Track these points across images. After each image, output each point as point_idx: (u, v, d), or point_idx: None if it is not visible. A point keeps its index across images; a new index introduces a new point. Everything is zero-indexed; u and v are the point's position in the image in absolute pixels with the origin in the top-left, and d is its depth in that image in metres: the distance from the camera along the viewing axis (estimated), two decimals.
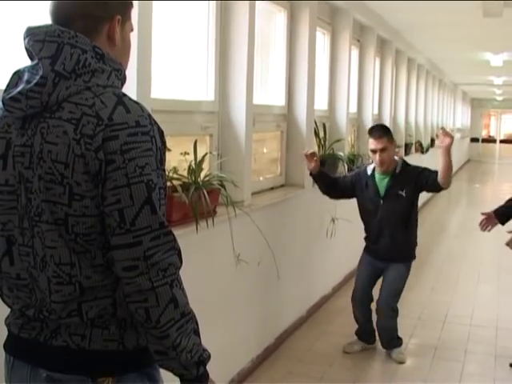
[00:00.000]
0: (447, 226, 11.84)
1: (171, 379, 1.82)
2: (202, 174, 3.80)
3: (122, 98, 1.64)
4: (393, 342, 5.09)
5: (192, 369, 1.70)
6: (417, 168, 5.02)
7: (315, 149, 6.26)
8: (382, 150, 4.84)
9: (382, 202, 4.94)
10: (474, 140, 31.30)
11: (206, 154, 3.95)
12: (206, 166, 3.95)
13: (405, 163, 5.02)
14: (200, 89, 4.33)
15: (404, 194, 4.86)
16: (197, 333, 1.71)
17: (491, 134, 34.03)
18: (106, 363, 1.72)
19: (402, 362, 5.00)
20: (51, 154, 1.60)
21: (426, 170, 4.96)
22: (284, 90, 5.63)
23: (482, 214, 4.91)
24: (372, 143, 4.92)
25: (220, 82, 4.40)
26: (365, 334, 5.18)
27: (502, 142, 32.28)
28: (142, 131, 1.61)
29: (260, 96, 5.14)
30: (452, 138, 4.65)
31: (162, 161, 1.69)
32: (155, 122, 1.68)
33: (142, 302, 1.61)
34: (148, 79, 3.35)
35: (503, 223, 4.90)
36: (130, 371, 1.74)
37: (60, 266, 1.65)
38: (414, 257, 5.13)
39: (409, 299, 6.61)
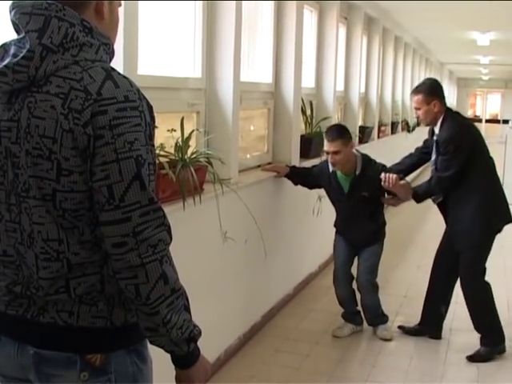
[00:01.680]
0: (432, 204, 11.87)
1: (161, 356, 1.81)
2: (189, 151, 3.77)
3: (111, 73, 1.62)
4: (378, 318, 5.12)
5: (183, 345, 1.70)
6: (380, 169, 4.83)
7: (302, 127, 6.26)
8: (335, 153, 4.77)
9: (346, 199, 4.95)
10: None
11: (192, 131, 3.93)
12: (192, 143, 3.93)
13: (365, 161, 4.90)
14: (187, 65, 4.29)
15: (367, 195, 4.83)
16: (187, 309, 1.71)
17: (477, 113, 34.16)
18: (94, 340, 1.71)
19: (386, 339, 5.03)
20: (38, 128, 1.58)
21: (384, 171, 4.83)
22: (271, 68, 5.60)
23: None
24: (325, 145, 4.88)
25: (207, 59, 4.37)
26: (351, 314, 5.18)
27: (487, 121, 32.39)
28: (131, 106, 1.59)
29: (247, 73, 5.11)
30: (395, 178, 4.63)
31: (151, 136, 1.67)
32: (144, 97, 1.66)
33: (132, 278, 1.60)
34: (135, 55, 3.32)
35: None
36: (118, 348, 1.73)
37: (48, 242, 1.64)
38: (384, 235, 5.16)
39: (394, 277, 6.67)
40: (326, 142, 4.86)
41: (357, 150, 5.03)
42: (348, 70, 8.50)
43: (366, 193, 4.81)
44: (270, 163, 5.58)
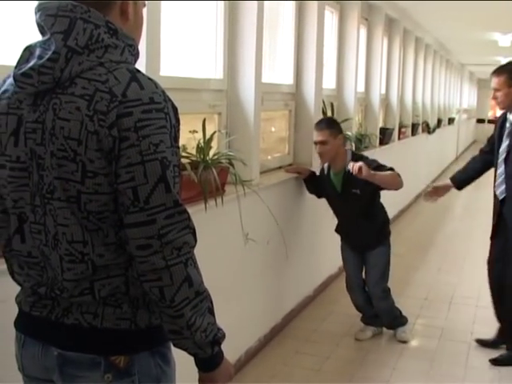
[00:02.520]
0: (453, 207, 11.80)
1: (184, 358, 1.81)
2: (211, 153, 3.77)
3: (136, 74, 1.61)
4: (395, 321, 5.09)
5: (206, 348, 1.70)
6: (371, 163, 4.65)
7: None
8: (322, 143, 4.71)
9: (340, 199, 4.89)
10: (480, 121, 31.13)
11: (214, 132, 3.92)
12: (214, 144, 3.93)
13: (355, 156, 4.79)
14: (209, 67, 4.30)
15: (359, 192, 4.70)
16: (211, 312, 1.70)
17: (497, 114, 33.87)
18: (118, 342, 1.71)
19: (404, 341, 5.01)
20: (63, 130, 1.58)
21: (380, 168, 4.64)
22: (292, 69, 5.60)
23: (434, 187, 5.17)
24: (314, 135, 4.85)
25: (229, 60, 4.38)
26: (370, 318, 5.14)
27: None
28: (156, 108, 1.59)
29: (268, 74, 5.10)
30: (359, 165, 4.34)
31: (176, 138, 1.66)
32: (169, 99, 1.65)
33: (156, 280, 1.60)
34: (157, 57, 3.32)
35: (460, 188, 5.08)
36: (142, 350, 1.74)
37: (72, 244, 1.64)
38: (389, 233, 5.04)
39: (415, 280, 6.63)
40: (314, 133, 4.86)
41: (351, 150, 5.04)
42: (369, 71, 8.47)
43: (358, 190, 4.69)
44: (290, 164, 5.57)
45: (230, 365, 1.83)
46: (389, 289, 5.00)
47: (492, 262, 4.80)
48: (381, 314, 5.05)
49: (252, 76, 4.35)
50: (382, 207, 5.02)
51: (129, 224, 1.58)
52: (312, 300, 5.85)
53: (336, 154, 4.76)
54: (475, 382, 4.43)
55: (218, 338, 1.72)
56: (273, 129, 5.60)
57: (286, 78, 5.56)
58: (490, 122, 32.03)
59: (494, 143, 4.66)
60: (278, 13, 5.46)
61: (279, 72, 5.52)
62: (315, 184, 5.19)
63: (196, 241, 1.66)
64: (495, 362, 4.66)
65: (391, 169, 4.62)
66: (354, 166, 4.36)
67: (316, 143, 4.78)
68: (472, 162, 5.10)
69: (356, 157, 4.77)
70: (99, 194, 1.60)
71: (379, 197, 4.93)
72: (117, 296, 1.68)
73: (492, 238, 4.78)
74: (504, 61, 17.50)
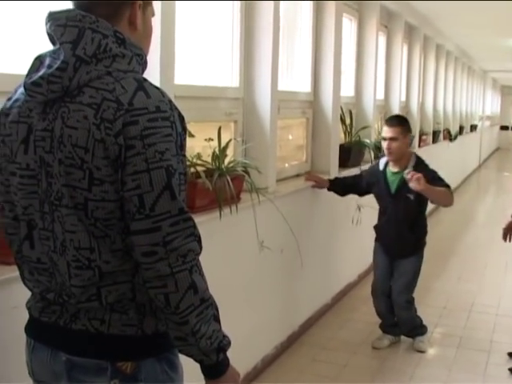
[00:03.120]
0: (475, 215, 11.73)
1: (192, 364, 1.82)
2: (226, 161, 3.79)
3: (143, 83, 1.63)
4: (414, 330, 5.06)
5: (212, 355, 1.71)
6: (429, 173, 4.68)
7: (341, 136, 6.24)
8: (392, 139, 4.73)
9: (391, 201, 4.86)
10: (504, 128, 30.93)
11: (230, 140, 3.94)
12: (230, 152, 3.95)
13: (419, 161, 4.84)
14: (225, 75, 4.32)
15: (412, 197, 4.69)
16: (217, 319, 1.71)
17: None
18: (125, 348, 1.73)
19: (421, 351, 4.98)
20: (71, 138, 1.60)
21: (436, 180, 4.65)
22: (310, 77, 5.61)
23: (505, 228, 5.05)
24: (384, 130, 4.86)
25: (245, 68, 4.39)
26: (389, 326, 5.13)
27: None
28: (162, 116, 1.60)
29: (285, 82, 5.11)
30: (419, 176, 4.40)
31: (183, 146, 1.68)
32: (176, 108, 1.67)
33: (162, 287, 1.61)
34: (171, 65, 3.34)
35: None
36: (148, 356, 1.75)
37: (79, 250, 1.66)
38: (424, 244, 5.04)
39: (435, 288, 6.59)
40: (384, 128, 4.86)
41: (415, 154, 4.99)
42: (388, 79, 8.46)
43: (412, 195, 4.66)
44: (308, 172, 5.57)
45: (235, 372, 1.84)
46: (413, 299, 5.00)
47: None
48: (401, 323, 5.04)
49: (268, 84, 4.36)
50: (425, 218, 5.06)
51: (134, 231, 1.60)
52: (330, 308, 5.84)
53: (402, 153, 4.78)
54: None
55: (223, 345, 1.72)
56: (290, 137, 5.60)
57: (304, 85, 5.57)
58: None
59: None
60: (296, 21, 5.47)
61: (297, 80, 5.53)
62: (348, 185, 5.23)
63: (201, 248, 1.67)
64: None
65: (447, 185, 4.67)
66: (413, 176, 4.39)
67: (385, 139, 4.78)
68: None
69: (419, 162, 4.83)
70: (106, 201, 1.62)
71: (426, 206, 4.94)
72: (123, 302, 1.70)
73: None
74: None
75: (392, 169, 4.85)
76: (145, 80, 1.66)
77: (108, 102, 1.58)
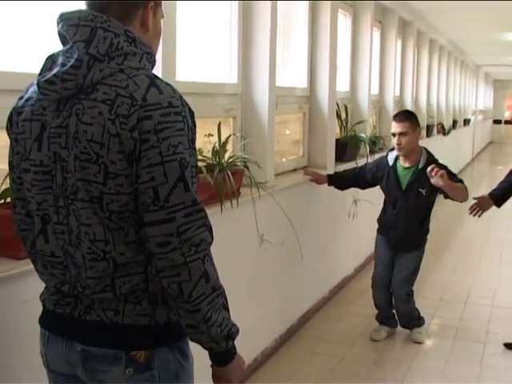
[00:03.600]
0: (466, 209, 11.80)
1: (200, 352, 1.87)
2: (226, 156, 3.84)
3: (155, 80, 1.69)
4: (412, 322, 5.13)
5: (221, 342, 1.76)
6: (442, 168, 4.49)
7: (337, 130, 6.29)
8: (402, 134, 4.75)
9: (401, 196, 4.85)
10: (497, 122, 31.04)
11: (229, 135, 3.99)
12: (229, 147, 4.00)
13: (429, 156, 4.85)
14: (223, 71, 4.36)
15: (424, 193, 4.74)
16: (226, 307, 1.77)
17: None
18: (139, 337, 1.78)
19: (418, 342, 5.05)
20: (86, 133, 1.65)
21: (450, 176, 4.55)
22: (306, 72, 5.65)
23: (475, 198, 4.86)
24: (393, 126, 4.87)
25: (243, 65, 4.44)
26: (387, 318, 5.19)
27: None
28: (175, 111, 1.66)
29: (282, 78, 5.15)
30: (443, 172, 4.33)
31: (193, 140, 1.74)
32: (186, 103, 1.73)
33: (175, 276, 1.66)
34: (173, 62, 3.39)
35: (499, 206, 4.85)
36: (161, 345, 1.80)
37: (95, 242, 1.71)
38: (426, 240, 5.08)
39: (431, 280, 6.65)
40: (393, 124, 4.89)
41: (425, 149, 4.97)
42: (382, 74, 8.51)
43: (424, 190, 4.70)
44: (305, 167, 5.61)
45: (242, 360, 1.90)
46: (412, 292, 5.07)
47: None
48: (400, 315, 5.12)
49: (266, 80, 4.41)
50: (430, 214, 5.04)
51: (149, 222, 1.65)
52: (327, 301, 5.90)
53: (412, 148, 4.79)
54: (490, 382, 4.45)
55: (232, 332, 1.78)
56: (287, 131, 5.65)
57: (300, 81, 5.61)
58: (506, 122, 31.98)
59: None
60: (292, 17, 5.52)
61: (293, 75, 5.57)
62: (349, 179, 5.21)
63: (213, 238, 1.73)
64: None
65: (461, 181, 4.67)
66: (436, 172, 4.33)
67: (394, 135, 4.81)
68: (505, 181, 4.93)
69: (430, 157, 4.84)
70: (120, 194, 1.67)
71: (433, 204, 4.95)
72: (137, 293, 1.75)
73: None
74: None
75: (403, 163, 4.87)
76: (156, 77, 1.71)
77: (122, 98, 1.63)
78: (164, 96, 1.66)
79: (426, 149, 4.93)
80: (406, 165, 4.84)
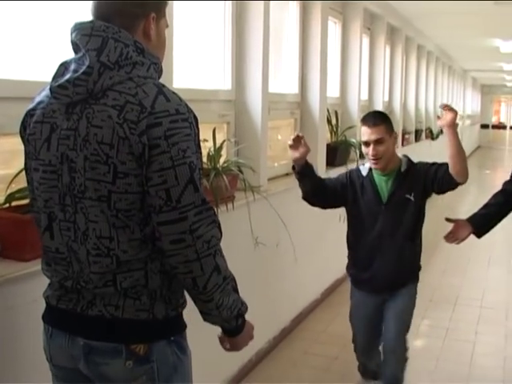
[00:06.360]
0: (457, 211, 11.86)
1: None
2: (221, 160, 3.93)
3: (162, 89, 1.79)
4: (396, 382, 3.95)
5: (232, 322, 1.92)
6: (425, 165, 3.78)
7: (327, 135, 6.37)
8: (378, 142, 3.61)
9: (383, 210, 3.71)
10: (484, 126, 31.27)
11: (224, 140, 4.08)
12: (223, 152, 4.08)
13: (410, 160, 3.80)
14: (217, 78, 4.46)
15: (413, 198, 3.67)
16: (235, 289, 1.93)
17: (501, 120, 34.00)
18: (138, 331, 1.87)
19: None
20: (97, 136, 1.75)
21: (433, 163, 3.75)
22: (297, 78, 5.75)
23: (448, 220, 3.95)
24: (365, 133, 3.65)
25: (236, 71, 4.53)
26: (372, 373, 4.24)
27: None
28: (182, 118, 1.76)
29: (274, 84, 5.24)
30: (456, 112, 3.54)
31: (199, 144, 1.84)
32: (191, 110, 1.83)
33: (189, 272, 1.79)
34: (170, 70, 3.48)
35: (480, 235, 3.97)
36: (159, 339, 1.90)
37: (100, 239, 1.80)
38: (419, 268, 4.01)
39: (420, 282, 6.68)
40: (364, 130, 3.66)
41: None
42: (372, 80, 8.61)
43: (412, 195, 3.67)
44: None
45: (250, 327, 2.05)
46: (407, 349, 3.96)
47: None
48: (385, 373, 3.93)
49: (259, 86, 4.51)
50: (421, 232, 3.95)
51: (162, 222, 1.76)
52: (320, 303, 5.98)
53: (391, 156, 3.71)
54: (480, 381, 4.53)
55: (241, 312, 1.94)
56: (279, 137, 5.74)
57: (292, 87, 5.71)
58: (494, 127, 32.20)
59: None
60: (282, 24, 5.61)
61: (285, 82, 5.67)
62: (317, 182, 3.85)
63: (221, 234, 1.85)
64: None
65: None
66: (447, 110, 3.54)
67: (367, 144, 3.64)
68: (494, 197, 4.05)
69: (410, 160, 3.80)
70: (129, 193, 1.77)
71: (424, 215, 3.91)
72: (137, 288, 1.84)
73: None
74: (506, 67, 17.65)
75: (380, 172, 3.73)
76: (163, 85, 1.81)
77: (131, 105, 1.73)
78: (171, 104, 1.76)
79: (407, 156, 3.86)
80: (385, 172, 3.72)
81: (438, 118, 3.60)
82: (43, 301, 2.03)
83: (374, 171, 3.76)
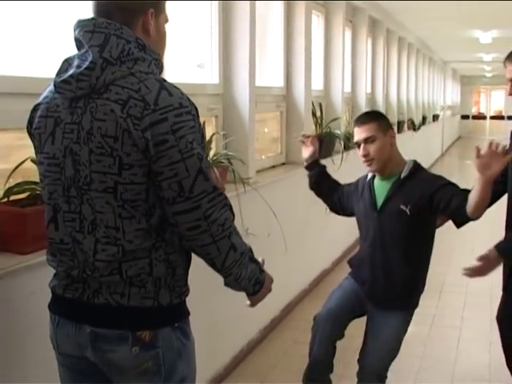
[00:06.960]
0: None
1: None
2: (211, 153, 3.99)
3: (164, 83, 1.84)
4: None
5: (250, 289, 2.05)
6: (435, 180, 3.35)
7: (312, 128, 6.43)
8: (368, 141, 3.30)
9: (375, 218, 3.37)
10: (465, 117, 31.49)
11: (213, 134, 4.14)
12: (213, 145, 4.14)
13: (417, 166, 3.39)
14: (205, 72, 4.52)
15: (408, 211, 3.22)
16: (252, 259, 2.03)
17: (481, 110, 34.24)
18: (143, 318, 1.93)
19: None
20: (101, 130, 1.80)
21: (449, 186, 3.26)
22: (282, 72, 5.82)
23: (479, 259, 3.45)
24: (355, 133, 3.39)
25: (224, 66, 4.59)
26: (318, 373, 3.66)
27: (492, 118, 32.54)
28: (186, 111, 1.83)
29: (260, 78, 5.30)
30: (503, 163, 2.83)
31: (202, 135, 1.93)
32: (193, 103, 1.90)
33: (206, 254, 1.90)
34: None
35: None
36: (164, 325, 1.96)
37: (108, 228, 1.86)
38: (417, 304, 3.53)
39: None
40: (355, 131, 3.40)
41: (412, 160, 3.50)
42: (354, 72, 8.70)
43: (408, 207, 3.23)
44: (283, 164, 5.77)
45: (270, 280, 2.15)
46: (386, 377, 3.49)
47: (504, 319, 3.60)
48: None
49: (246, 80, 4.57)
50: (429, 257, 3.54)
51: (177, 212, 1.84)
52: (308, 293, 6.06)
53: (388, 156, 3.35)
54: (466, 365, 4.63)
55: (259, 280, 2.05)
56: (266, 130, 5.80)
57: (277, 80, 5.77)
58: (474, 117, 32.43)
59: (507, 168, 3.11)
60: (267, 18, 5.67)
61: (270, 75, 5.73)
62: (331, 183, 3.79)
63: (234, 215, 1.94)
64: None
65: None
66: (493, 155, 2.82)
67: (358, 144, 3.36)
68: None
69: (417, 165, 3.40)
70: (134, 183, 1.83)
71: (432, 237, 3.51)
72: (141, 276, 1.90)
73: (504, 290, 3.67)
74: (486, 57, 17.78)
75: (380, 176, 3.40)
76: (164, 80, 1.87)
77: (134, 101, 1.78)
78: (174, 98, 1.82)
79: (415, 161, 3.43)
80: (385, 175, 3.38)
81: (477, 154, 2.83)
82: (41, 293, 2.08)
83: (376, 175, 3.44)
